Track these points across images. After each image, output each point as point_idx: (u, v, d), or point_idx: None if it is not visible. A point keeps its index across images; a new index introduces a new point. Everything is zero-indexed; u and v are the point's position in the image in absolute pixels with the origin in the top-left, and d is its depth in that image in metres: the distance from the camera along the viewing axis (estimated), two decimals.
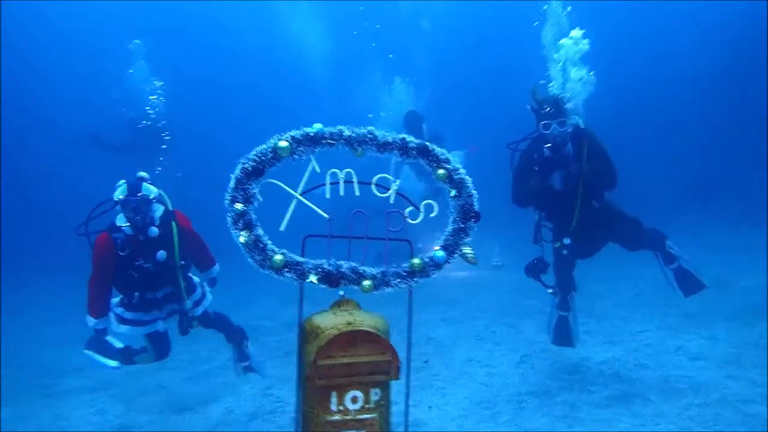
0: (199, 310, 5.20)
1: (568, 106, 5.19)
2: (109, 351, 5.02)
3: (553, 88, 5.55)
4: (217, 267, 5.40)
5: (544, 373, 5.85)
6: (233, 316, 9.31)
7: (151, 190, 4.72)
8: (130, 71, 14.29)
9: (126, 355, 5.09)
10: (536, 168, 5.23)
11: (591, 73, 5.47)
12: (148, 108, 13.89)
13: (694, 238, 12.56)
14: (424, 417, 5.06)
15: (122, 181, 4.66)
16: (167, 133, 13.62)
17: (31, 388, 6.78)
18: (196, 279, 5.31)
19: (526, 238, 5.67)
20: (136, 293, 4.81)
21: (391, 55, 17.25)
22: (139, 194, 4.61)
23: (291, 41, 22.04)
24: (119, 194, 4.61)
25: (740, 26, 19.46)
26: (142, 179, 4.78)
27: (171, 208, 4.94)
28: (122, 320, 4.93)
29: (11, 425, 5.59)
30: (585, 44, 5.54)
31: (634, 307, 7.93)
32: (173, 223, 4.83)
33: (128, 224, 4.63)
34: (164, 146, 13.51)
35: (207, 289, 5.38)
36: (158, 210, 4.83)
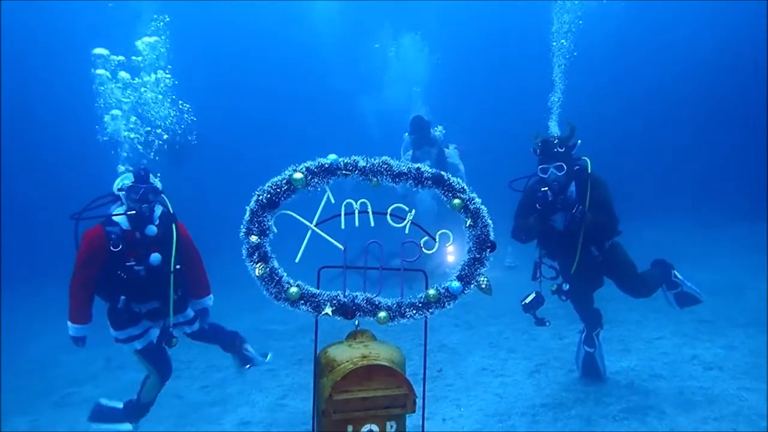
0: (190, 328, 4.92)
1: (574, 147, 5.14)
2: (114, 415, 4.80)
3: (554, 129, 5.54)
4: (211, 298, 5.01)
5: (558, 383, 5.83)
6: (244, 319, 9.39)
7: (157, 181, 4.49)
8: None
9: (133, 409, 4.81)
10: (538, 206, 5.15)
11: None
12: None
13: (708, 239, 12.53)
14: (438, 430, 5.05)
15: (125, 169, 4.55)
16: (194, 137, 13.91)
17: (41, 395, 6.85)
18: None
19: None
20: (122, 297, 4.40)
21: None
22: (147, 183, 4.35)
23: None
24: (123, 182, 4.34)
25: (740, 25, 19.35)
26: (149, 170, 4.50)
27: (172, 211, 4.63)
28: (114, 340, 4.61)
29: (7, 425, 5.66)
30: None
31: (648, 311, 7.87)
32: (174, 226, 4.52)
33: (130, 212, 4.30)
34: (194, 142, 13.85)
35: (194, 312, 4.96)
36: (158, 210, 4.55)
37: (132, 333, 4.57)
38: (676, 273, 5.64)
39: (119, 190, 4.39)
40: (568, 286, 5.26)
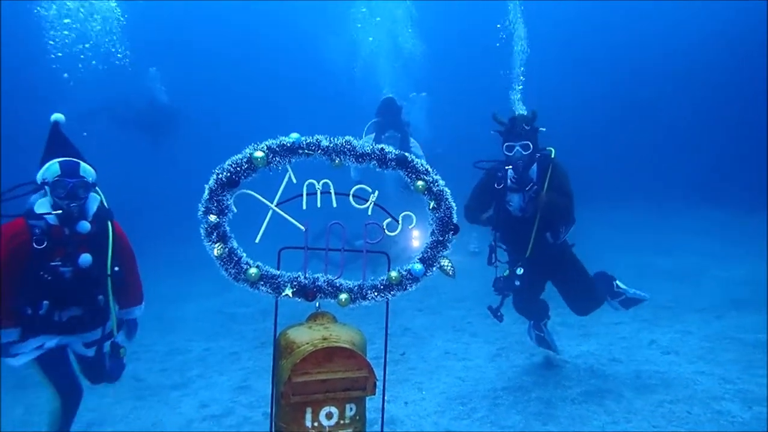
0: (91, 351, 4.05)
1: (537, 130, 5.12)
2: None
3: (520, 108, 5.51)
4: (142, 307, 4.28)
5: (519, 367, 5.89)
6: (206, 302, 9.28)
7: (89, 172, 3.78)
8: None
9: None
10: (497, 186, 5.15)
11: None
12: None
13: (669, 226, 12.80)
14: (400, 413, 5.06)
15: (54, 161, 3.70)
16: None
17: None
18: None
19: None
20: (45, 302, 3.70)
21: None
22: (76, 177, 3.68)
23: None
24: (48, 174, 3.66)
25: (740, 23, 19.73)
26: (78, 160, 3.77)
27: (107, 206, 4.00)
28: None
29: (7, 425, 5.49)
30: None
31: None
32: (109, 224, 3.88)
33: (56, 212, 3.65)
34: None
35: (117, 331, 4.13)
36: (94, 202, 3.89)
37: (46, 343, 3.85)
38: (618, 283, 5.64)
39: (43, 182, 3.70)
40: (522, 270, 5.15)
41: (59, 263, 3.68)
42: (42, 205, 3.69)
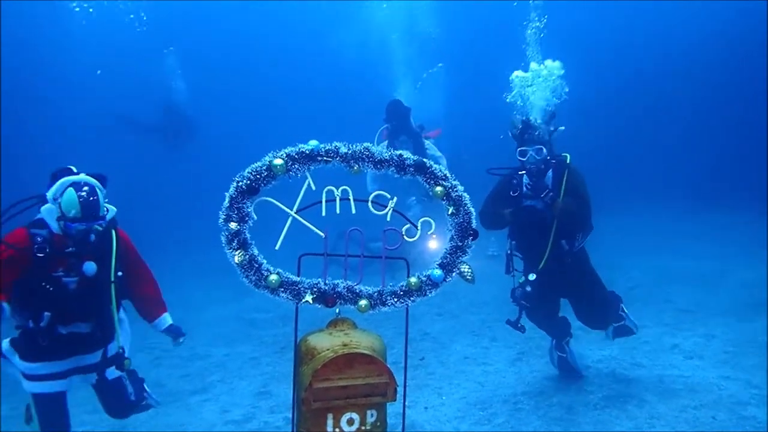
0: (110, 374, 3.94)
1: (552, 133, 5.05)
2: None
3: (534, 114, 5.41)
4: (167, 316, 4.18)
5: (540, 371, 5.85)
6: (226, 308, 9.32)
7: (105, 208, 3.69)
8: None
9: None
10: (512, 193, 5.06)
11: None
12: None
13: (690, 229, 12.64)
14: (419, 418, 5.06)
15: (71, 188, 3.53)
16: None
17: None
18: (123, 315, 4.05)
19: None
20: (46, 313, 3.58)
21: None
22: (96, 219, 3.57)
23: None
24: (66, 206, 3.50)
25: (740, 23, 19.53)
26: (98, 199, 3.59)
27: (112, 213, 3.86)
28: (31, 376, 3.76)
29: (7, 425, 5.57)
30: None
31: (630, 301, 7.88)
32: (113, 232, 3.77)
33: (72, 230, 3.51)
34: None
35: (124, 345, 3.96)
36: (111, 213, 3.79)
37: (53, 370, 3.76)
38: (623, 307, 5.51)
39: (59, 215, 3.55)
40: (534, 276, 5.02)
41: (62, 273, 3.57)
42: (50, 215, 3.59)
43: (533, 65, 5.42)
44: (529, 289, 5.05)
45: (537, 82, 5.33)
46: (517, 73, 5.42)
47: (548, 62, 5.41)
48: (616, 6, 20.78)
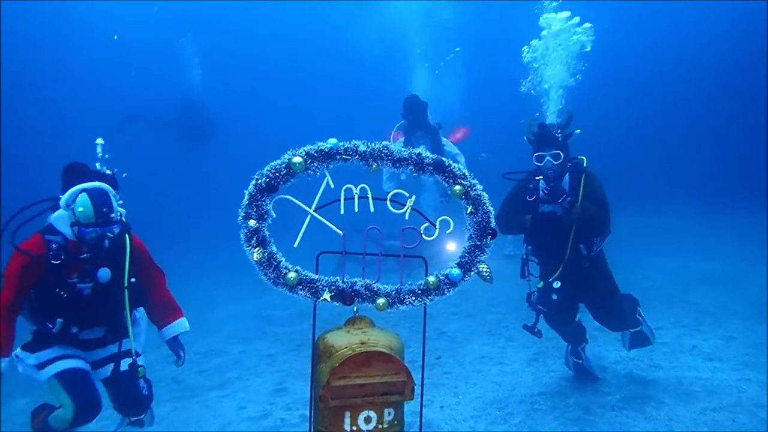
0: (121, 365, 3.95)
1: (570, 136, 4.96)
2: None
3: (551, 117, 5.33)
4: (184, 321, 4.19)
5: (557, 371, 5.82)
6: (243, 305, 9.38)
7: (118, 210, 3.74)
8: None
9: None
10: (529, 198, 5.00)
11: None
12: None
13: (710, 229, 12.51)
14: (436, 417, 5.05)
15: (84, 194, 3.56)
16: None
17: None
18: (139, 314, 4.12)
19: None
20: (59, 320, 3.65)
21: None
22: (110, 224, 3.61)
23: None
24: (81, 214, 3.54)
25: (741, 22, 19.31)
26: (111, 203, 3.63)
27: (125, 219, 3.89)
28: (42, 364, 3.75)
29: (9, 425, 5.62)
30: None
31: (649, 302, 7.83)
32: (126, 236, 3.76)
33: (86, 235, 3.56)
34: None
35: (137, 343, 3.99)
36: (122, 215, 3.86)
37: (67, 352, 3.80)
38: (641, 311, 5.44)
39: (73, 221, 3.59)
40: (559, 284, 4.93)
41: (76, 280, 3.63)
42: (61, 222, 3.64)
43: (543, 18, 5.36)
44: (555, 297, 4.96)
45: (553, 44, 5.28)
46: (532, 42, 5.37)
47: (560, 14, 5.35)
48: (618, 7, 20.59)
